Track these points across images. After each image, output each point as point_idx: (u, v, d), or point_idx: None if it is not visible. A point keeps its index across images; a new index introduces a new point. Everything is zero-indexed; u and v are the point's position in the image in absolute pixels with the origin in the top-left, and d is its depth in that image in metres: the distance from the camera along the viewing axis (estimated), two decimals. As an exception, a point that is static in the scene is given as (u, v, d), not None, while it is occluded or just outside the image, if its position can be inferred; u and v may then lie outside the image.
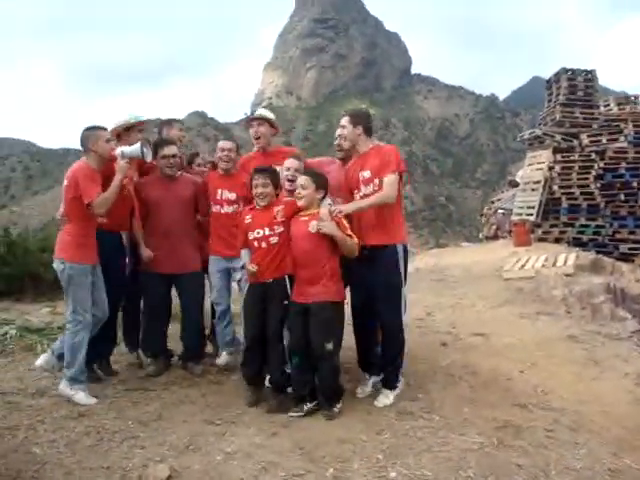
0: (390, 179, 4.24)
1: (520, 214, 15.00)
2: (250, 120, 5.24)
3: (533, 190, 15.07)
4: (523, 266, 10.34)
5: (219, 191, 4.99)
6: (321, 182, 4.22)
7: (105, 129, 4.51)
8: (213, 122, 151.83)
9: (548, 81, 17.44)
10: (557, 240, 14.18)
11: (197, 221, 5.19)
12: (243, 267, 4.54)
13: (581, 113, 16.01)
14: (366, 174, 4.36)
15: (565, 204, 14.66)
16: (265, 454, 3.40)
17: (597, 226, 14.48)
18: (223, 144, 5.05)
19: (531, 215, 14.52)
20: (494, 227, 18.86)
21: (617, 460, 3.56)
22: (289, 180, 4.59)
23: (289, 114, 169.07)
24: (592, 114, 16.02)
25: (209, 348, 5.51)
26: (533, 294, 8.67)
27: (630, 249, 14.16)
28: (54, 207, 4.64)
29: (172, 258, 4.91)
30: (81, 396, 4.21)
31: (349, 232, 4.06)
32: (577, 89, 16.30)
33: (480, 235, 21.96)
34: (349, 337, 4.57)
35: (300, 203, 4.19)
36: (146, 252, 4.87)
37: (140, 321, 5.15)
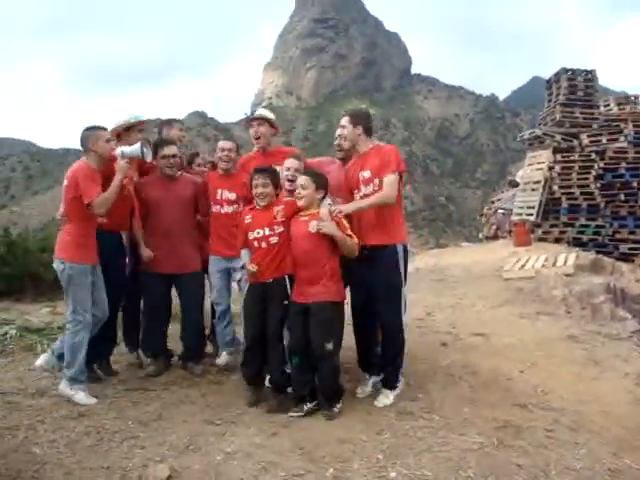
0: (390, 179, 4.23)
1: (520, 214, 15.01)
2: (250, 120, 5.24)
3: (533, 190, 15.07)
4: (523, 266, 10.35)
5: (219, 191, 4.99)
6: (321, 182, 4.22)
7: (105, 129, 4.51)
8: (213, 122, 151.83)
9: (548, 81, 17.44)
10: (557, 240, 14.18)
11: (197, 221, 5.19)
12: (243, 267, 4.54)
13: (581, 113, 16.01)
14: (366, 174, 4.36)
15: (565, 204, 14.66)
16: (265, 454, 3.40)
17: (597, 226, 14.48)
18: (223, 144, 5.05)
19: (531, 215, 14.52)
20: (494, 227, 18.86)
21: (617, 460, 3.56)
22: (289, 180, 4.59)
23: (289, 114, 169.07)
24: (592, 114, 16.02)
25: (209, 348, 5.51)
26: (533, 294, 8.67)
27: (630, 249, 14.15)
28: (54, 207, 4.64)
29: (172, 258, 4.91)
30: (81, 396, 4.21)
31: (349, 232, 4.06)
32: (577, 89, 16.30)
33: (480, 235, 21.96)
34: (349, 337, 4.57)
35: (300, 203, 4.19)
36: (146, 252, 4.87)
37: (140, 321, 5.15)
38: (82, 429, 3.70)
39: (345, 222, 4.08)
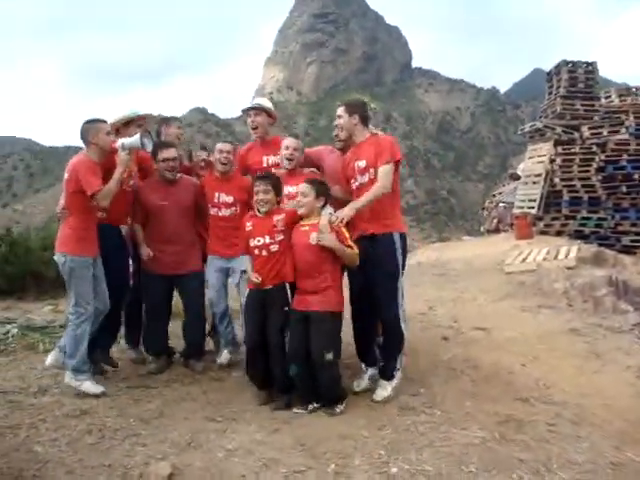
0: (385, 169, 4.22)
1: (521, 207, 14.97)
2: (247, 110, 5.21)
3: (534, 183, 15.02)
4: (525, 259, 10.32)
5: (216, 194, 4.97)
6: (322, 190, 4.20)
7: (105, 122, 4.51)
8: (214, 118, 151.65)
9: (549, 73, 17.38)
10: (559, 233, 14.13)
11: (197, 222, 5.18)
12: (244, 272, 4.54)
13: (582, 105, 15.96)
14: (361, 164, 4.35)
15: (566, 197, 14.60)
16: (266, 451, 3.41)
17: (599, 218, 14.42)
18: (222, 146, 5.00)
19: (532, 208, 14.49)
20: (495, 220, 18.83)
21: (619, 453, 3.55)
22: (288, 159, 4.59)
23: (290, 109, 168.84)
24: (593, 106, 15.97)
25: (210, 345, 5.51)
26: (535, 287, 8.66)
27: (632, 241, 14.09)
28: (56, 204, 4.63)
29: (174, 261, 4.93)
30: (88, 385, 4.26)
31: (349, 243, 4.05)
32: (578, 81, 16.25)
33: (482, 228, 21.94)
34: (349, 330, 4.57)
35: (300, 211, 4.19)
36: (145, 250, 4.87)
37: (142, 321, 5.16)
38: (84, 427, 3.70)
39: (345, 232, 4.06)
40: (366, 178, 4.33)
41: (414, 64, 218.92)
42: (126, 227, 4.93)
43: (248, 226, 4.34)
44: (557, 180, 14.72)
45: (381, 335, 4.58)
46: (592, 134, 15.21)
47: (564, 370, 5.13)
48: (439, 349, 5.59)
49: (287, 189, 4.63)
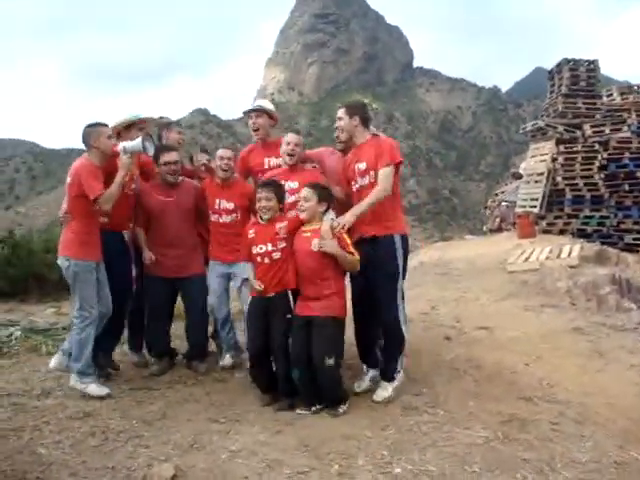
0: (385, 172, 4.22)
1: (524, 206, 14.95)
2: (249, 112, 5.21)
3: (536, 182, 15.01)
4: (527, 258, 10.30)
5: (217, 201, 4.97)
6: (324, 195, 4.19)
7: (106, 125, 4.52)
8: (215, 119, 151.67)
9: (550, 72, 17.37)
10: (561, 232, 14.12)
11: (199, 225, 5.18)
12: (246, 279, 4.55)
13: (584, 103, 15.96)
14: (361, 166, 4.35)
15: (569, 195, 14.59)
16: (270, 452, 3.40)
17: (601, 217, 14.40)
18: (222, 152, 4.98)
19: (535, 207, 14.47)
20: (498, 220, 18.81)
21: (623, 452, 3.55)
22: (289, 155, 4.60)
23: (291, 110, 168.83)
24: (595, 104, 15.96)
25: (213, 347, 5.51)
26: (537, 286, 8.64)
27: (635, 239, 14.05)
28: (58, 207, 4.65)
29: (176, 264, 4.95)
30: (93, 387, 4.28)
31: (350, 249, 4.03)
32: (579, 79, 16.25)
33: (484, 228, 21.92)
34: (351, 331, 4.57)
35: (302, 216, 4.19)
36: (148, 255, 4.88)
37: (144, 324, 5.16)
38: (87, 429, 3.71)
39: (347, 238, 4.05)
40: (366, 180, 4.33)
41: (415, 64, 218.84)
42: (128, 232, 4.93)
43: (250, 233, 4.33)
44: (559, 179, 14.71)
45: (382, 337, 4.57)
46: (594, 132, 15.20)
47: (567, 369, 5.11)
48: (442, 349, 5.58)
49: (288, 185, 4.63)
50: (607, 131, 15.11)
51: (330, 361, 3.95)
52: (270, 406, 4.22)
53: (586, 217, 14.41)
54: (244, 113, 5.37)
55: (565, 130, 15.44)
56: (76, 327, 4.35)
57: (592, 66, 16.51)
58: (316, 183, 4.33)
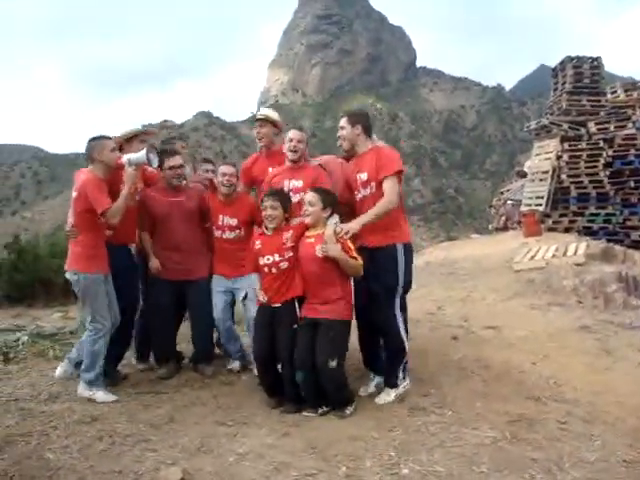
0: (389, 184, 4.19)
1: (529, 204, 14.93)
2: (253, 121, 5.22)
3: (542, 180, 14.98)
4: (533, 257, 10.27)
5: (220, 217, 4.97)
6: (329, 200, 4.18)
7: (110, 138, 4.51)
8: (219, 121, 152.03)
9: (554, 69, 17.33)
10: (567, 230, 14.09)
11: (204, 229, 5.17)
12: (246, 297, 4.55)
13: (588, 101, 15.91)
14: (363, 176, 4.33)
15: (574, 193, 14.56)
16: (277, 454, 3.40)
17: (607, 214, 14.37)
18: (225, 169, 4.96)
19: (540, 205, 14.44)
20: (503, 218, 18.78)
21: (632, 451, 3.53)
22: (292, 151, 4.60)
23: (295, 111, 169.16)
24: (599, 101, 15.91)
25: (218, 351, 5.51)
26: (544, 285, 8.62)
27: (641, 236, 14.03)
28: (64, 212, 4.67)
29: (181, 268, 4.94)
30: (100, 394, 4.30)
31: (353, 254, 4.02)
32: (583, 77, 16.20)
33: (490, 227, 21.88)
34: (356, 336, 4.57)
35: (306, 220, 4.17)
36: (155, 263, 4.89)
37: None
38: (94, 433, 3.71)
39: (350, 243, 4.03)
40: (368, 191, 4.32)
41: (418, 63, 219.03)
42: (134, 246, 4.93)
43: (257, 244, 4.31)
44: (564, 176, 14.68)
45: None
46: (599, 129, 15.16)
47: (575, 368, 5.10)
48: (449, 349, 5.56)
49: (293, 183, 4.62)
50: (612, 128, 15.06)
51: (333, 363, 3.94)
52: (277, 409, 4.21)
53: (592, 215, 14.37)
54: (251, 123, 5.37)
55: (570, 128, 15.40)
56: (89, 339, 4.36)
57: (596, 63, 16.46)
58: (321, 188, 4.31)
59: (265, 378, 4.32)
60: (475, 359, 5.21)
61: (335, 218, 4.18)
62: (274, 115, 5.23)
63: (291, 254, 4.19)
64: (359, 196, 4.39)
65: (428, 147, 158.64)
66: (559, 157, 14.86)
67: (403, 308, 4.40)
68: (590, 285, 8.26)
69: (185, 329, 5.37)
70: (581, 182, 14.56)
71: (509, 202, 18.53)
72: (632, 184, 14.43)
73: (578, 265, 9.36)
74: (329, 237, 3.99)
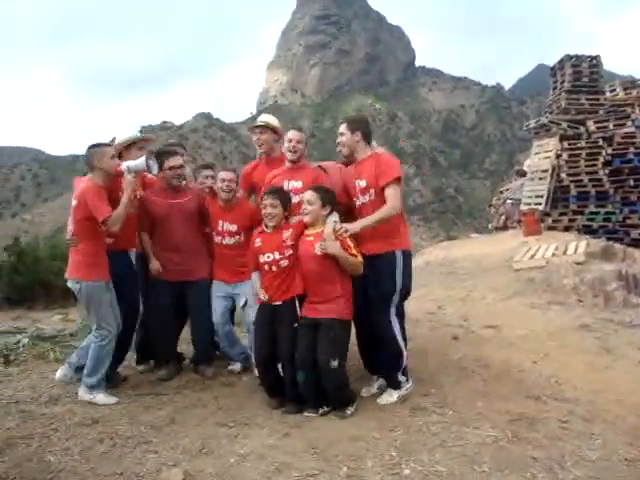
0: (390, 190, 4.18)
1: (529, 203, 14.93)
2: (253, 128, 5.20)
3: (541, 179, 14.99)
4: (533, 256, 10.27)
5: (220, 222, 4.96)
6: (328, 198, 4.17)
7: (109, 145, 4.51)
8: (219, 123, 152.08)
9: (552, 68, 17.34)
10: (567, 228, 14.10)
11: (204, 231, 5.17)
12: (245, 304, 4.54)
13: (587, 99, 15.93)
14: (362, 183, 4.32)
15: (574, 192, 14.57)
16: (278, 455, 3.40)
17: (607, 213, 14.38)
18: (224, 175, 4.95)
19: (540, 204, 14.45)
20: (503, 217, 18.77)
21: (633, 449, 3.53)
22: (291, 151, 4.60)
23: (294, 111, 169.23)
24: (598, 100, 15.92)
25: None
26: (544, 284, 8.62)
27: (641, 234, 14.03)
28: (64, 214, 4.66)
29: (181, 269, 4.94)
30: (101, 397, 4.31)
31: (353, 252, 4.01)
32: (582, 75, 16.22)
33: (490, 226, 21.87)
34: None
35: (306, 219, 4.17)
36: (155, 265, 4.89)
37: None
38: (95, 436, 3.71)
39: (349, 241, 4.03)
40: (367, 198, 4.31)
41: (417, 63, 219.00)
42: (134, 252, 4.93)
43: (257, 242, 4.31)
44: (564, 175, 14.69)
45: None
46: (598, 128, 15.17)
47: (575, 366, 5.10)
48: (449, 348, 5.57)
49: (292, 184, 4.60)
50: (611, 126, 15.08)
51: (334, 363, 3.94)
52: (278, 409, 4.21)
53: (591, 213, 14.38)
54: (249, 129, 5.36)
55: (569, 126, 15.42)
56: (96, 345, 4.36)
57: (594, 62, 16.47)
58: (320, 186, 4.31)
59: (266, 379, 4.32)
60: (475, 358, 5.21)
61: (334, 216, 4.17)
62: (274, 121, 5.21)
63: (291, 252, 4.19)
64: (358, 203, 4.38)
65: (427, 147, 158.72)
66: (558, 156, 14.87)
67: (400, 314, 4.39)
68: (590, 283, 8.27)
69: (185, 331, 5.36)
70: (581, 181, 14.57)
71: (509, 201, 18.52)
72: (631, 182, 14.44)
73: (578, 264, 9.36)
74: (328, 235, 3.99)
